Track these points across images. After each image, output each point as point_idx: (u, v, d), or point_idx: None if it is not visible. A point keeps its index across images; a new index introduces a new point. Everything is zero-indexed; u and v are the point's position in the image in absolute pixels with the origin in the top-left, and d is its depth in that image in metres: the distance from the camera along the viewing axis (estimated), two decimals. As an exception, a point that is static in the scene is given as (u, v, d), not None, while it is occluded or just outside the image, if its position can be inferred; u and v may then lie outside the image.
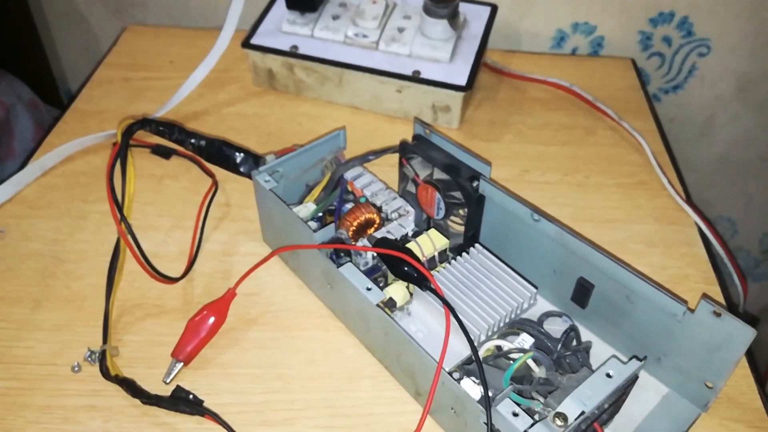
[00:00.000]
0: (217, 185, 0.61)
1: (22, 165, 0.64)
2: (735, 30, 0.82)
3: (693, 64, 0.86)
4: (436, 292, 0.43)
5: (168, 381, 0.45)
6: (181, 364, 0.46)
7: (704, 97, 0.89)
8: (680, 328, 0.42)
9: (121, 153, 0.55)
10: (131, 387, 0.44)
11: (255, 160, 0.58)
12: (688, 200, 0.61)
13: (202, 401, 0.44)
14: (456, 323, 0.41)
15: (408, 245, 0.49)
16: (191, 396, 0.44)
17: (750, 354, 0.45)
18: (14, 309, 0.51)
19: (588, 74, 0.79)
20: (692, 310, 0.40)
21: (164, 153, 0.64)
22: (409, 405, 0.45)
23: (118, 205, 0.51)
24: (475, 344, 0.43)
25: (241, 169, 0.59)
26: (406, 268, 0.44)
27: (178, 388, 0.44)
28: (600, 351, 0.47)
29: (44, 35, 0.96)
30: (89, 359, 0.46)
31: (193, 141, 0.61)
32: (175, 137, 0.61)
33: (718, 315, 0.39)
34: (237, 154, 0.59)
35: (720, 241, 0.58)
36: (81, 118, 0.70)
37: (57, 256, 0.55)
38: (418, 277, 0.44)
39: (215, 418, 0.43)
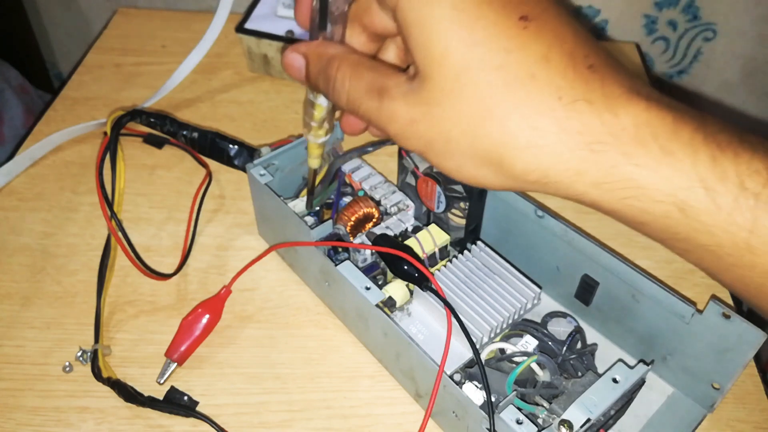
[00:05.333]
0: (211, 176, 0.60)
1: (12, 152, 0.62)
2: (742, 14, 0.80)
3: (698, 49, 0.84)
4: (437, 293, 0.42)
5: (162, 382, 0.44)
6: (175, 364, 0.44)
7: (709, 83, 0.88)
8: (688, 329, 0.41)
9: (110, 146, 0.53)
10: (123, 391, 0.43)
11: (249, 152, 0.57)
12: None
13: (197, 402, 0.43)
14: (457, 325, 0.40)
15: (408, 241, 0.47)
16: (186, 398, 0.43)
17: (757, 354, 0.44)
18: (3, 306, 0.49)
19: (591, 59, 0.77)
20: (701, 311, 0.39)
21: (157, 142, 0.62)
22: (410, 406, 0.44)
23: (107, 201, 0.49)
24: (478, 347, 0.42)
25: (236, 162, 0.57)
26: (405, 267, 0.43)
27: (173, 390, 0.43)
28: (604, 349, 0.46)
29: (33, 17, 0.94)
30: (81, 359, 0.45)
31: (185, 133, 0.59)
32: (166, 129, 0.59)
33: (728, 317, 0.38)
34: (231, 146, 0.57)
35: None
36: (71, 106, 0.68)
37: (47, 251, 0.53)
38: (419, 276, 0.43)
39: (210, 423, 0.42)
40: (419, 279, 0.43)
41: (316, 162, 0.44)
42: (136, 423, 0.42)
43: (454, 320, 0.40)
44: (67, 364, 0.45)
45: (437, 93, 0.27)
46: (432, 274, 0.43)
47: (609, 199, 0.26)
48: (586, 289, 0.46)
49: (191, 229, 0.55)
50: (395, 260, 0.43)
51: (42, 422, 0.43)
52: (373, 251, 0.47)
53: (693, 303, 0.39)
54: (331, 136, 0.40)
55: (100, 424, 0.42)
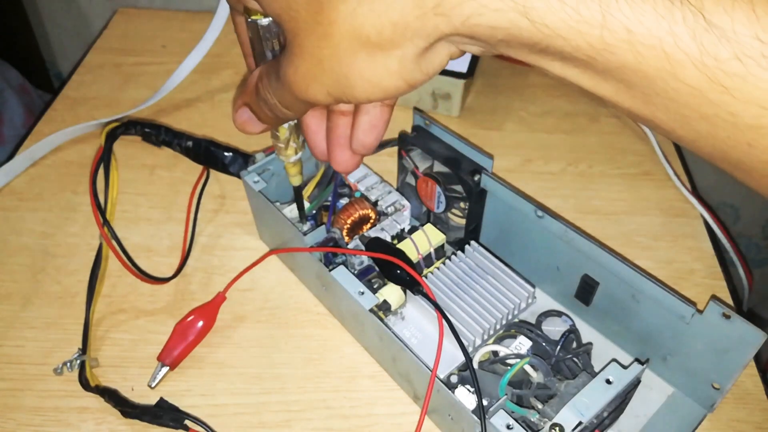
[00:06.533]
0: (209, 173, 0.59)
1: (12, 152, 0.62)
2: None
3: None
4: (428, 297, 0.41)
5: (153, 386, 0.44)
6: (167, 368, 0.44)
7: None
8: (688, 329, 0.40)
9: (104, 157, 0.53)
10: (113, 397, 0.42)
11: (244, 158, 0.57)
12: (694, 191, 0.60)
13: (186, 416, 0.42)
14: (449, 329, 0.39)
15: (403, 242, 0.47)
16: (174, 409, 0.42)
17: (757, 354, 0.44)
18: (3, 306, 0.49)
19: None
20: (701, 312, 0.39)
21: (156, 142, 0.62)
22: (409, 406, 0.44)
23: (100, 210, 0.50)
24: (471, 349, 0.42)
25: (230, 170, 0.57)
26: (398, 272, 0.43)
27: (162, 401, 0.43)
28: (603, 349, 0.46)
29: (33, 17, 0.94)
30: (67, 366, 0.44)
31: (179, 142, 0.59)
32: (161, 138, 0.60)
33: (728, 317, 0.38)
34: (225, 154, 0.57)
35: (727, 236, 0.57)
36: (71, 106, 0.68)
37: (47, 251, 0.53)
38: (410, 281, 0.42)
39: (201, 425, 0.41)
40: (411, 283, 0.43)
41: (297, 180, 0.45)
42: (136, 423, 0.42)
43: (445, 324, 0.40)
44: (58, 366, 0.44)
45: (290, 29, 0.27)
46: (425, 277, 0.43)
47: (456, 26, 0.23)
48: (586, 289, 0.46)
49: (189, 228, 0.54)
50: (387, 264, 0.43)
51: (42, 422, 0.43)
52: (370, 253, 0.47)
53: (693, 303, 0.39)
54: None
55: (100, 424, 0.42)
